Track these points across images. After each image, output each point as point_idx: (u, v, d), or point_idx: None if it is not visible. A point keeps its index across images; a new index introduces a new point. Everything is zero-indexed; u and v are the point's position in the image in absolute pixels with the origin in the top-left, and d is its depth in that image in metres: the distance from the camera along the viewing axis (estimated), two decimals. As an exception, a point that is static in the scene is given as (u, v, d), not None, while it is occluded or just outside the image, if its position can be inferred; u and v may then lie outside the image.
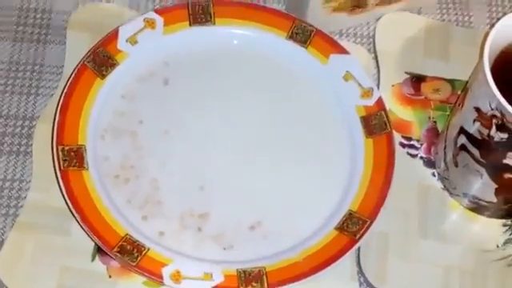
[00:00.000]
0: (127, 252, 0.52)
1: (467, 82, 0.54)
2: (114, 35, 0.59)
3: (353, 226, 0.54)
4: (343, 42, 0.61)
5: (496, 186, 0.52)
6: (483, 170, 0.52)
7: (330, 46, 0.60)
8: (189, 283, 0.52)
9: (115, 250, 0.52)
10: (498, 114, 0.47)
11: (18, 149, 0.59)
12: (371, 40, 0.63)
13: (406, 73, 0.61)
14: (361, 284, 0.55)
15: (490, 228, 0.56)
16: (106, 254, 0.52)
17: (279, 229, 0.55)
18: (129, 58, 0.59)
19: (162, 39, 0.60)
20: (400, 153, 0.58)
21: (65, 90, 0.57)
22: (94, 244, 0.54)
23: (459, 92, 0.60)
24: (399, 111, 0.60)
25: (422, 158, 0.59)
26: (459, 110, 0.52)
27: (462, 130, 0.52)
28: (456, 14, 0.65)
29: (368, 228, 0.54)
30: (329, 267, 0.52)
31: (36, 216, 0.55)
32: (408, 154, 0.59)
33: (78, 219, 0.53)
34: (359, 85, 0.59)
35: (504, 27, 0.49)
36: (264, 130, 0.58)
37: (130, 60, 0.59)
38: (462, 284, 0.55)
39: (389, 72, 0.61)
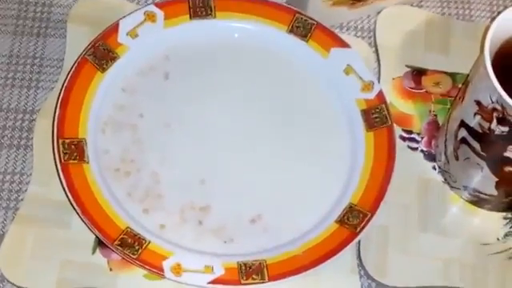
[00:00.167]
0: (128, 245, 0.52)
1: (468, 75, 0.54)
2: (114, 28, 0.59)
3: (353, 219, 0.54)
4: (344, 36, 0.61)
5: (496, 179, 0.52)
6: (484, 164, 0.52)
7: (331, 39, 0.60)
8: (189, 276, 0.52)
9: (116, 243, 0.52)
10: (499, 108, 0.47)
11: (19, 142, 0.59)
12: (372, 33, 0.63)
13: (407, 66, 0.61)
14: (361, 277, 0.55)
15: (491, 221, 0.56)
16: (107, 247, 0.52)
17: (280, 222, 0.55)
18: (129, 51, 0.59)
19: (163, 32, 0.60)
20: (400, 146, 0.58)
21: (65, 84, 0.57)
22: (94, 237, 0.54)
23: (460, 85, 0.60)
24: (400, 104, 0.60)
25: (422, 151, 0.59)
26: (460, 103, 0.52)
27: (463, 124, 0.52)
28: (457, 7, 0.65)
29: (368, 221, 0.54)
30: (329, 260, 0.52)
31: (36, 209, 0.55)
32: (408, 147, 0.59)
33: (79, 212, 0.53)
34: (360, 78, 0.59)
35: (505, 21, 0.49)
36: (264, 123, 0.58)
37: (131, 53, 0.59)
38: (462, 277, 0.55)
39: (389, 65, 0.61)
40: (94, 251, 0.54)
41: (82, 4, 0.63)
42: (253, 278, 0.52)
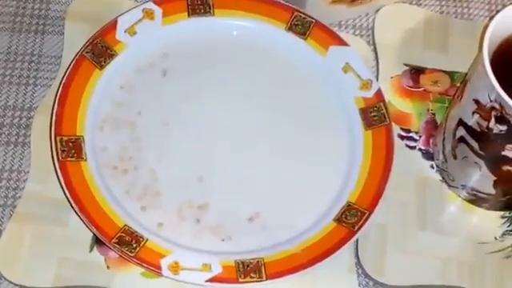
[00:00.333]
0: (126, 243, 0.52)
1: (466, 74, 0.54)
2: (112, 26, 0.59)
3: (351, 218, 0.54)
4: (342, 34, 0.61)
5: (495, 178, 0.52)
6: (482, 162, 0.52)
7: (330, 37, 0.60)
8: (187, 274, 0.52)
9: (114, 240, 0.52)
10: (497, 106, 0.47)
11: (16, 139, 0.59)
12: (370, 32, 0.63)
13: (405, 65, 0.61)
14: (359, 276, 0.55)
15: (489, 220, 0.56)
16: (104, 244, 0.52)
17: (278, 220, 0.55)
18: (127, 48, 0.59)
19: (161, 30, 0.60)
20: (399, 145, 0.58)
21: (63, 81, 0.57)
22: (92, 235, 0.54)
23: (458, 84, 0.60)
24: (398, 103, 0.60)
25: (420, 149, 0.59)
26: (458, 102, 0.52)
27: (461, 122, 0.52)
28: (455, 6, 0.65)
29: (366, 220, 0.54)
30: (327, 259, 0.52)
31: (34, 207, 0.55)
32: (407, 145, 0.59)
33: (77, 210, 0.53)
34: (358, 76, 0.59)
35: (503, 19, 0.49)
36: (263, 121, 0.58)
37: (129, 51, 0.59)
38: (460, 276, 0.55)
39: (388, 64, 0.61)
40: (91, 249, 0.54)
41: (79, 1, 0.62)
42: (250, 277, 0.52)
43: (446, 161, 0.56)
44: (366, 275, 0.55)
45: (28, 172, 0.57)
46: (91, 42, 0.58)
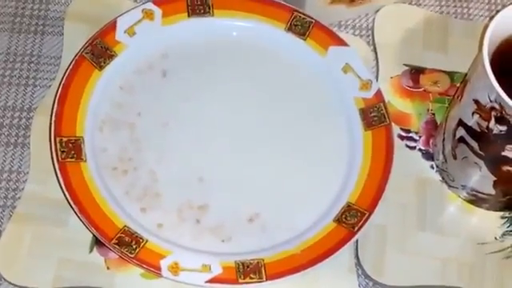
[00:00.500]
0: (125, 244, 0.52)
1: (466, 74, 0.54)
2: (112, 26, 0.59)
3: (351, 218, 0.54)
4: (342, 34, 0.61)
5: (494, 179, 0.52)
6: (482, 163, 0.52)
7: (329, 37, 0.60)
8: (187, 275, 0.52)
9: (113, 241, 0.52)
10: (497, 107, 0.47)
11: (16, 140, 0.59)
12: (370, 32, 0.63)
13: (405, 65, 0.61)
14: (359, 276, 0.55)
15: (488, 220, 0.56)
16: (104, 245, 0.52)
17: (278, 221, 0.55)
18: (127, 49, 0.59)
19: (161, 30, 0.60)
20: (398, 145, 0.58)
21: (63, 82, 0.57)
22: (91, 236, 0.54)
23: (458, 84, 0.60)
24: (398, 103, 0.60)
25: (420, 150, 0.59)
26: (458, 102, 0.52)
27: (461, 123, 0.52)
28: (455, 6, 0.65)
29: (366, 220, 0.54)
30: (327, 259, 0.52)
31: (34, 207, 0.55)
32: (406, 146, 0.59)
33: (76, 211, 0.53)
34: (358, 77, 0.59)
35: (503, 19, 0.49)
36: (262, 121, 0.58)
37: (129, 51, 0.59)
38: (460, 276, 0.55)
39: (388, 64, 0.61)
40: (91, 250, 0.54)
41: (79, 1, 0.62)
42: (250, 277, 0.52)
43: (445, 161, 0.56)
44: (366, 276, 0.55)
45: (27, 173, 0.57)
46: (91, 43, 0.58)
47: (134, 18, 0.59)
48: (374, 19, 0.63)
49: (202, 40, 0.60)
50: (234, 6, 0.60)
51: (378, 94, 0.58)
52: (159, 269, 0.51)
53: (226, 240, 0.54)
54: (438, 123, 0.59)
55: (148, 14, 0.60)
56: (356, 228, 0.53)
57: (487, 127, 0.49)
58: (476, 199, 0.56)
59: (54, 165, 0.54)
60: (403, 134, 0.59)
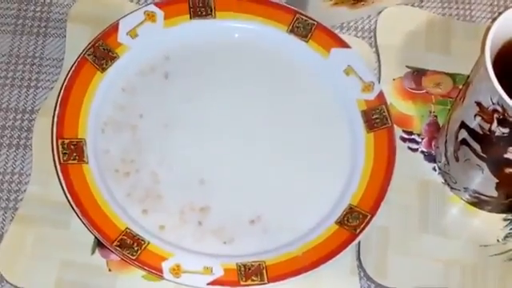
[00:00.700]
0: (127, 246, 0.52)
1: (468, 76, 0.54)
2: (114, 28, 0.59)
3: (353, 221, 0.54)
4: (344, 36, 0.61)
5: (497, 181, 0.52)
6: (484, 165, 0.52)
7: (331, 39, 0.60)
8: (188, 277, 0.52)
9: (115, 243, 0.52)
10: (500, 109, 0.47)
11: (18, 142, 0.59)
12: (372, 34, 0.63)
13: (407, 67, 0.61)
14: (361, 278, 0.55)
15: (491, 222, 0.56)
16: (106, 247, 0.52)
17: (279, 223, 0.55)
18: (129, 51, 0.59)
19: (163, 32, 0.60)
20: (401, 147, 0.58)
21: (65, 83, 0.57)
22: (93, 238, 0.54)
23: (460, 86, 0.60)
24: (400, 105, 0.60)
25: (422, 152, 0.59)
26: (460, 104, 0.52)
27: (463, 125, 0.52)
28: (457, 8, 0.65)
29: (368, 222, 0.53)
30: (329, 262, 0.52)
31: (36, 209, 0.55)
32: (409, 148, 0.59)
33: (78, 213, 0.53)
34: (360, 79, 0.59)
35: (506, 21, 0.49)
36: (264, 124, 0.58)
37: (131, 53, 0.59)
38: (463, 278, 0.55)
39: (390, 66, 0.61)
40: (93, 252, 0.54)
41: (81, 3, 0.62)
42: (252, 280, 0.52)
43: (448, 163, 0.56)
44: (368, 278, 0.55)
45: (29, 175, 0.57)
46: (93, 45, 0.58)
47: (136, 19, 0.59)
48: (376, 21, 0.63)
49: (204, 42, 0.60)
50: (236, 7, 0.60)
51: (380, 95, 0.58)
52: (161, 271, 0.51)
53: (228, 242, 0.54)
54: (441, 125, 0.59)
55: (150, 16, 0.60)
56: (358, 230, 0.53)
57: (489, 129, 0.49)
58: (478, 201, 0.56)
59: (55, 167, 0.54)
60: (405, 136, 0.59)
